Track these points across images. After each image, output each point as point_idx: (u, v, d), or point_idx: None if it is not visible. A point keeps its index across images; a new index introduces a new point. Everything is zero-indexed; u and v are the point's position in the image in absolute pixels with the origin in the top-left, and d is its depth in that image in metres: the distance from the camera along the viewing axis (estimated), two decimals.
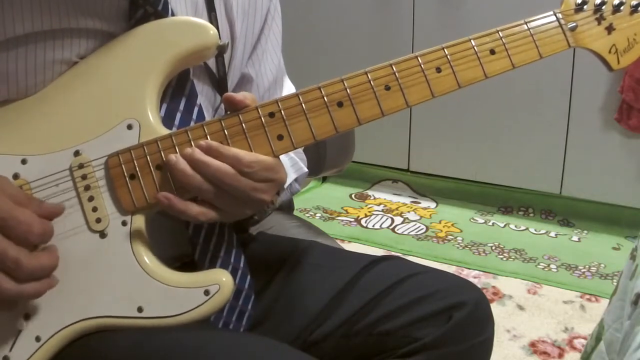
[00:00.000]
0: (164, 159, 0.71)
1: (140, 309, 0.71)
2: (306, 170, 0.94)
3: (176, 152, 0.71)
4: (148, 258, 0.72)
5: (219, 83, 0.84)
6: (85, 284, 0.71)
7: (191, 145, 0.71)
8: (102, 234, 0.72)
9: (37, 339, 0.70)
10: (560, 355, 1.68)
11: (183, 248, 0.81)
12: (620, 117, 2.16)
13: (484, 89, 2.45)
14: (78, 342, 0.71)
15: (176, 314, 0.71)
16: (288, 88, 0.97)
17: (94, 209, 0.72)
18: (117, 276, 0.71)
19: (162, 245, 0.75)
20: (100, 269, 0.71)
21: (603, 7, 0.78)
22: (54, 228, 0.69)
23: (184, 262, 0.82)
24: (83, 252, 0.71)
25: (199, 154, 0.71)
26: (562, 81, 2.22)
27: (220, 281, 0.71)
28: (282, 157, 0.76)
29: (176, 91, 0.77)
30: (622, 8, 0.79)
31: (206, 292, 0.71)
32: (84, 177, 0.72)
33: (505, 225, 2.40)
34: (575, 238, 2.30)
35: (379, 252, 2.17)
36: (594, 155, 2.25)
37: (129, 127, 0.73)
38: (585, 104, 2.22)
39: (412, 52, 0.75)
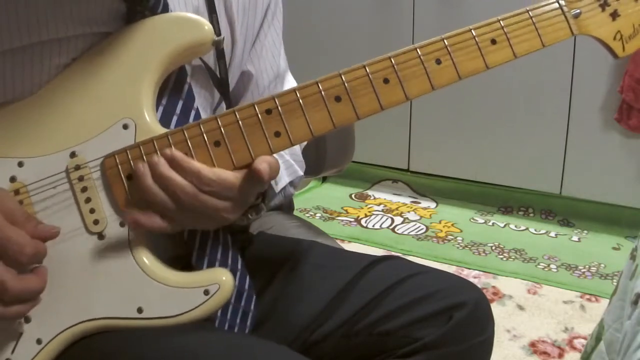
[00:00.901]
0: (133, 168, 0.70)
1: (140, 310, 0.71)
2: (301, 174, 0.93)
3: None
4: (147, 259, 0.72)
5: (220, 82, 0.83)
6: (85, 285, 0.71)
7: (188, 144, 0.71)
8: (101, 236, 0.71)
9: (39, 341, 0.70)
10: (560, 355, 1.67)
11: (182, 249, 0.80)
12: (620, 117, 2.15)
13: (484, 88, 2.45)
14: (79, 343, 0.71)
15: (176, 314, 0.70)
16: (289, 85, 0.95)
17: (92, 211, 0.71)
18: (116, 277, 0.71)
19: (162, 245, 0.75)
20: (100, 271, 0.71)
21: None
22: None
23: (184, 264, 0.82)
24: (82, 254, 0.71)
25: (163, 167, 0.69)
26: (562, 81, 2.22)
27: (220, 280, 0.71)
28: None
29: (173, 94, 0.76)
30: None
31: (206, 292, 0.70)
32: (80, 178, 0.71)
33: (505, 225, 2.39)
34: (575, 238, 2.30)
35: (379, 252, 2.17)
36: (594, 155, 2.25)
37: (125, 126, 0.72)
38: (585, 103, 2.22)
39: None
